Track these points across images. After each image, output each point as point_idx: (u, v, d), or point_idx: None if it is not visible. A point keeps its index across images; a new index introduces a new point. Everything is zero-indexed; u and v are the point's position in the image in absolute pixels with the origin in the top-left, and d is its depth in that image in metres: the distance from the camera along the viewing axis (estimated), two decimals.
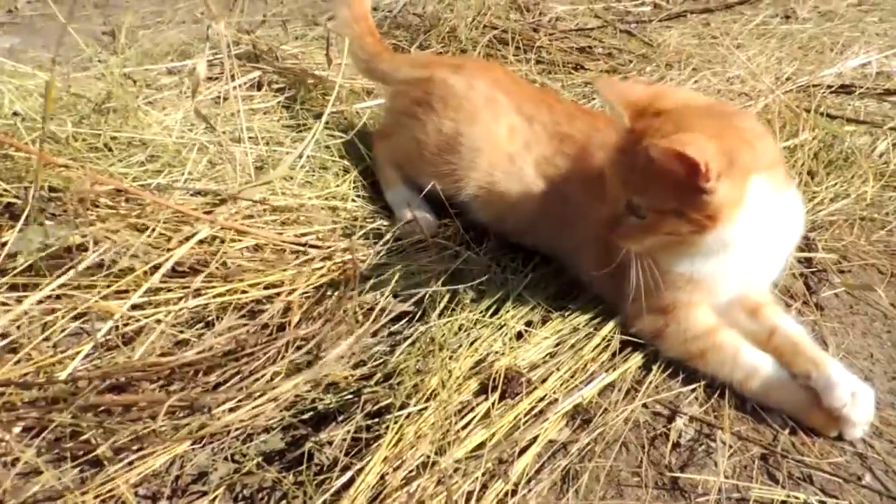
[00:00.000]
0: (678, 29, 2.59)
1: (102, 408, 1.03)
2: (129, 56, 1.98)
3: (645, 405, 1.18)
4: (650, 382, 1.21)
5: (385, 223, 1.51)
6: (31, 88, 1.56)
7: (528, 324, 1.29)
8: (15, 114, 1.44)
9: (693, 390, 1.21)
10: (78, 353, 1.12)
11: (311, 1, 2.69)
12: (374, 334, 1.25)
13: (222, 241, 1.34)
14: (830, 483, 1.08)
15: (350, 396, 1.12)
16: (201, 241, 1.32)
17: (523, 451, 1.07)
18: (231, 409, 1.04)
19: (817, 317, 1.39)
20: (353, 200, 1.55)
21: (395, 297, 1.29)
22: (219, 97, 1.74)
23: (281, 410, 1.08)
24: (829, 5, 3.13)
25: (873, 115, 2.02)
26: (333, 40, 1.69)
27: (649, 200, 1.12)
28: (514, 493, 1.03)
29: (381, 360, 1.18)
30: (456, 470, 1.01)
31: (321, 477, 0.99)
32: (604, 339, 1.26)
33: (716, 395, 1.20)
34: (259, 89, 1.91)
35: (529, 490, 1.03)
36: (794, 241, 1.28)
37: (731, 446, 1.12)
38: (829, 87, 2.11)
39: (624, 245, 1.18)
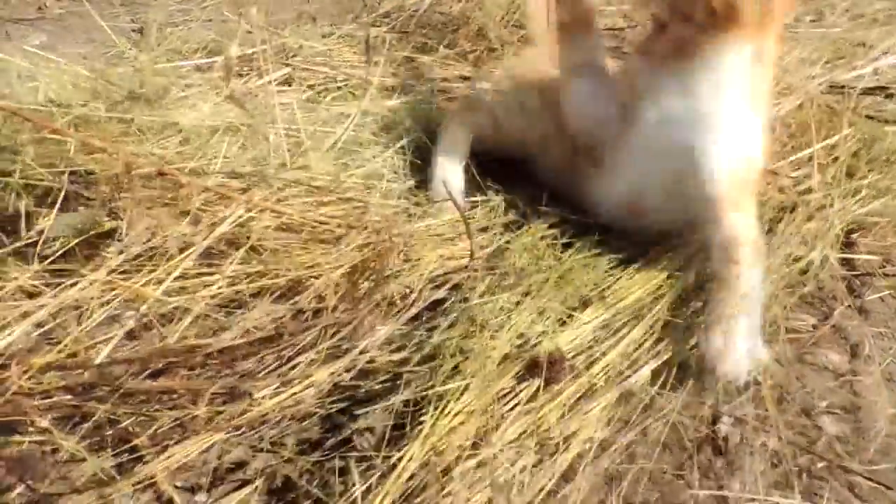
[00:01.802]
0: None
1: (140, 395, 1.02)
2: (159, 53, 1.97)
3: (687, 405, 1.15)
4: (693, 379, 1.18)
5: (421, 205, 1.51)
6: (65, 80, 1.55)
7: (572, 308, 1.26)
8: (50, 101, 1.44)
9: (738, 390, 1.17)
10: (111, 338, 1.11)
11: (335, 0, 2.69)
12: (414, 318, 1.22)
13: (254, 221, 1.33)
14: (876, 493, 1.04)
15: (389, 381, 1.10)
16: (235, 224, 1.31)
17: (566, 444, 1.04)
18: (270, 397, 1.02)
19: (861, 321, 1.36)
20: (389, 180, 1.55)
21: (431, 281, 1.28)
22: (249, 93, 1.72)
23: (320, 398, 1.06)
24: (860, 8, 3.09)
25: None
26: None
27: None
28: (554, 493, 1.00)
29: (419, 343, 1.16)
30: (496, 458, 0.99)
31: (363, 464, 0.97)
32: (649, 327, 1.23)
33: (761, 396, 1.17)
34: (289, 85, 1.91)
35: (570, 491, 1.01)
36: None
37: (775, 452, 1.09)
38: (865, 88, 2.06)
39: None
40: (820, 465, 1.08)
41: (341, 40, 2.24)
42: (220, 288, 1.21)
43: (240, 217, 1.27)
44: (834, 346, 1.31)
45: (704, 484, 1.04)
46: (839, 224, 1.51)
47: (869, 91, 2.06)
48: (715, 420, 1.13)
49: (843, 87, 2.04)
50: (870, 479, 1.07)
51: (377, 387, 1.10)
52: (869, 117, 1.93)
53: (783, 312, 1.32)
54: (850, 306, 1.39)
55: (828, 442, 1.12)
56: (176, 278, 1.21)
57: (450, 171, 1.55)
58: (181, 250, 1.21)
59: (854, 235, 1.54)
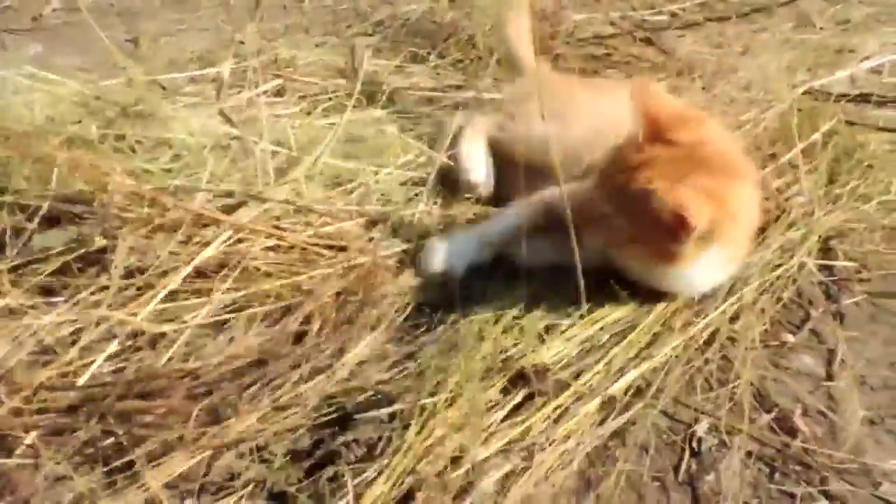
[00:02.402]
0: (693, 37, 2.60)
1: (128, 416, 1.05)
2: (153, 65, 2.00)
3: (665, 412, 1.19)
4: (672, 385, 1.21)
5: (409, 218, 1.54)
6: (62, 95, 1.59)
7: (552, 325, 1.30)
8: (45, 118, 1.48)
9: (716, 395, 1.21)
10: (94, 361, 1.15)
11: (330, 10, 2.72)
12: (398, 335, 1.26)
13: (242, 242, 1.36)
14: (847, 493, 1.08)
15: (375, 396, 1.14)
16: (225, 244, 1.34)
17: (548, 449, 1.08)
18: (257, 411, 1.06)
19: (837, 325, 1.40)
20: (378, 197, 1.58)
21: (416, 300, 1.32)
22: (242, 106, 1.75)
23: (306, 412, 1.10)
24: (846, 14, 3.13)
25: (893, 124, 2.01)
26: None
27: (624, 224, 1.22)
28: (535, 496, 1.04)
29: (405, 360, 1.21)
30: (477, 467, 1.02)
31: (349, 475, 1.01)
32: (630, 342, 1.27)
33: (737, 400, 1.20)
34: (281, 96, 1.94)
35: (550, 493, 1.04)
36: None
37: (749, 454, 1.13)
38: (845, 95, 2.10)
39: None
40: (793, 466, 1.12)
41: (334, 50, 2.28)
42: (209, 311, 1.25)
43: (228, 239, 1.30)
44: (810, 350, 1.34)
45: (679, 486, 1.08)
46: (819, 231, 1.55)
47: (849, 97, 2.10)
48: (692, 424, 1.17)
49: (824, 93, 2.08)
50: (842, 479, 1.10)
51: (363, 400, 1.14)
52: (850, 123, 1.97)
53: (761, 317, 1.36)
54: (826, 311, 1.42)
55: (802, 443, 1.16)
56: (166, 299, 1.24)
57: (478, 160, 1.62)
58: (166, 273, 1.24)
59: (833, 241, 1.58)
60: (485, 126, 1.68)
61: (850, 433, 1.17)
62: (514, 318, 1.31)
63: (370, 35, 2.49)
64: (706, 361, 1.26)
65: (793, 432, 1.17)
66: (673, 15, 3.03)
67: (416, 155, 1.70)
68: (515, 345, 1.24)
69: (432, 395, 1.10)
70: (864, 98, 2.10)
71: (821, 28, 2.93)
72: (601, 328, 1.30)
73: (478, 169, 1.61)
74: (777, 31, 2.61)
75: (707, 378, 1.25)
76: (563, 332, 1.29)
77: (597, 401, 1.15)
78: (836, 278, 1.50)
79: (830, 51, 2.44)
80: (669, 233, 1.16)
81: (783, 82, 2.06)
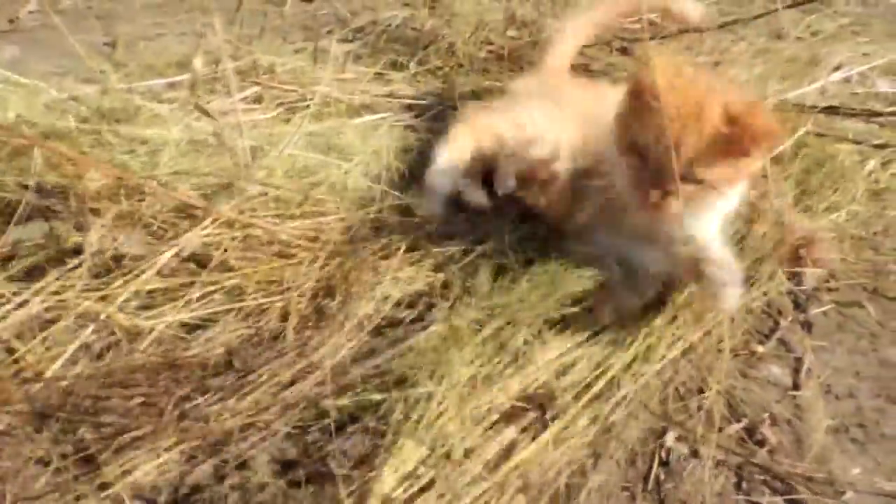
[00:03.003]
0: (671, 47, 2.63)
1: (100, 410, 1.05)
2: (131, 69, 2.00)
3: (636, 422, 1.21)
4: (643, 396, 1.23)
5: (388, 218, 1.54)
6: (36, 101, 1.58)
7: (530, 338, 1.30)
8: (18, 116, 1.47)
9: (687, 406, 1.23)
10: (73, 353, 1.15)
11: (311, 14, 2.72)
12: (377, 334, 1.27)
13: (220, 236, 1.36)
14: (812, 502, 1.11)
15: (361, 397, 1.14)
16: (202, 237, 1.34)
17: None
18: (234, 415, 1.06)
19: (805, 335, 1.43)
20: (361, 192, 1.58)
21: (397, 299, 1.33)
22: (218, 112, 1.75)
23: (289, 416, 1.10)
24: (821, 25, 3.19)
25: (862, 135, 2.05)
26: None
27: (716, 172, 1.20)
28: None
29: (391, 359, 1.20)
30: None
31: (331, 484, 1.01)
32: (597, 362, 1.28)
33: (707, 410, 1.22)
34: (259, 103, 1.94)
35: None
36: None
37: (718, 462, 1.15)
38: (815, 106, 2.14)
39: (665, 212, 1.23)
40: (760, 475, 1.14)
41: (314, 56, 2.28)
42: (186, 305, 1.25)
43: (206, 232, 1.31)
44: (778, 360, 1.37)
45: (648, 496, 1.10)
46: (789, 240, 1.58)
47: (820, 109, 2.14)
48: (662, 434, 1.19)
49: (796, 105, 2.12)
50: (807, 488, 1.13)
51: (349, 403, 1.14)
52: (820, 135, 2.00)
53: (732, 328, 1.39)
54: (795, 321, 1.45)
55: (768, 452, 1.18)
56: (142, 293, 1.25)
57: (444, 176, 1.59)
58: (143, 265, 1.24)
59: (802, 250, 1.61)
60: (477, 134, 1.63)
61: (815, 442, 1.20)
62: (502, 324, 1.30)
63: (350, 41, 2.49)
64: (676, 372, 1.28)
65: (760, 442, 1.20)
66: (651, 23, 3.07)
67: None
68: (502, 347, 1.25)
69: (418, 405, 1.10)
70: (833, 109, 2.13)
71: (797, 38, 2.99)
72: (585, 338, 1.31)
73: (434, 200, 1.55)
74: (751, 42, 2.65)
75: (678, 388, 1.27)
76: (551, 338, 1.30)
77: (584, 418, 1.16)
78: (804, 288, 1.53)
79: (802, 62, 2.48)
80: (749, 147, 1.17)
81: (755, 93, 2.10)
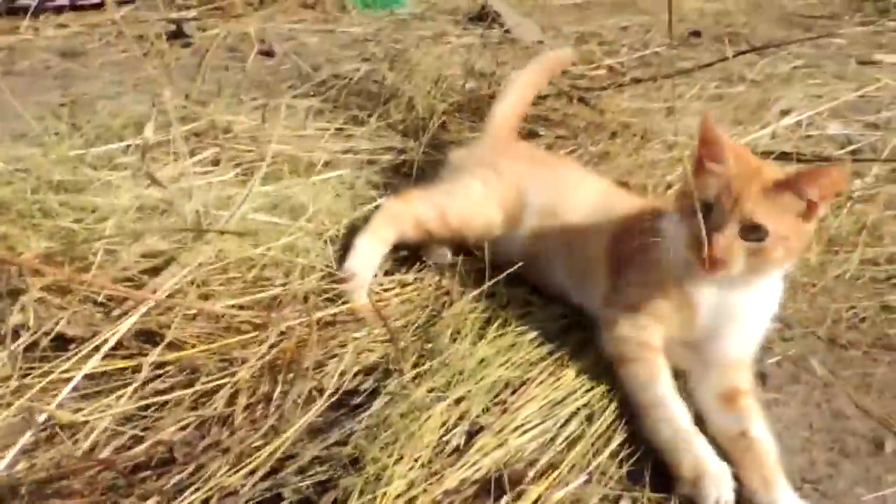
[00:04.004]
0: (630, 93, 2.69)
1: None
2: (86, 131, 1.98)
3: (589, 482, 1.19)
4: (601, 462, 1.22)
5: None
6: None
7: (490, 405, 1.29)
8: None
9: (642, 468, 1.22)
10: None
11: (272, 70, 2.74)
12: (331, 409, 1.25)
13: (165, 314, 1.34)
14: None
15: (310, 484, 1.11)
16: (144, 316, 1.32)
17: None
18: None
19: (759, 387, 1.43)
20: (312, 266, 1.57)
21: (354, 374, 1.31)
22: (173, 176, 1.75)
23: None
24: (775, 68, 3.29)
25: None
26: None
27: (776, 224, 1.20)
28: None
29: (344, 438, 1.18)
30: None
31: None
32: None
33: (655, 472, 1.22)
34: (217, 165, 1.93)
35: None
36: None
37: None
38: (767, 153, 2.19)
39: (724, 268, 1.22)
40: None
41: (274, 113, 2.28)
42: (135, 391, 1.22)
43: (149, 311, 1.29)
44: None
45: None
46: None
47: (772, 154, 2.18)
48: (617, 500, 1.18)
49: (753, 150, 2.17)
50: None
51: (301, 487, 1.10)
52: None
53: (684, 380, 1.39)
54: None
55: None
56: (85, 382, 1.22)
57: (366, 261, 1.57)
58: (82, 351, 1.21)
59: None
60: (399, 220, 1.63)
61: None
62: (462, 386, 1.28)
63: (311, 96, 2.52)
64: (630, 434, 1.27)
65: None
66: (610, 69, 3.15)
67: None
68: (462, 417, 1.23)
69: (375, 478, 1.08)
70: (785, 154, 2.18)
71: (752, 81, 3.07)
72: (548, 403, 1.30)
73: (356, 280, 1.52)
74: (702, 87, 2.72)
75: (634, 449, 1.26)
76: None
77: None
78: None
79: (752, 107, 2.54)
80: (808, 190, 1.20)
81: None
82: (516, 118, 1.99)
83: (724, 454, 1.21)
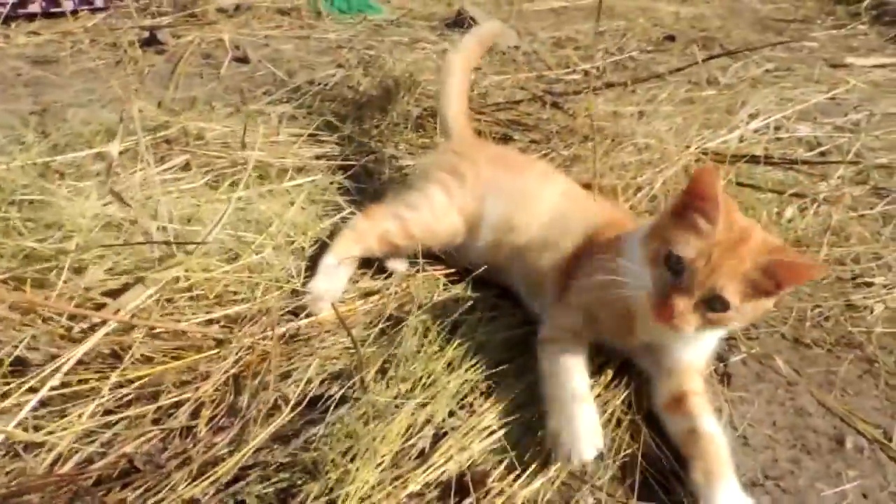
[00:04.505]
0: (605, 97, 2.71)
1: None
2: (56, 139, 1.97)
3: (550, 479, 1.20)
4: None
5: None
6: None
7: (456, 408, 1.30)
8: None
9: (605, 465, 1.23)
10: None
11: (247, 76, 2.73)
12: (296, 417, 1.24)
13: (128, 333, 1.34)
14: None
15: (274, 490, 1.11)
16: (106, 335, 1.31)
17: None
18: None
19: (724, 386, 1.45)
20: (278, 279, 1.56)
21: (320, 381, 1.31)
22: (141, 183, 1.74)
23: None
24: (747, 71, 3.33)
25: (780, 184, 2.13)
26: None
27: (742, 301, 1.17)
28: None
29: (307, 448, 1.18)
30: None
31: None
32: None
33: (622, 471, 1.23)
34: (188, 170, 1.93)
35: None
36: None
37: None
38: (736, 156, 2.22)
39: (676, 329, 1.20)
40: None
41: (247, 119, 2.28)
42: (98, 408, 1.21)
43: (111, 330, 1.28)
44: None
45: None
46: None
47: (740, 157, 2.22)
48: (580, 500, 1.18)
49: (717, 153, 2.20)
50: None
51: (264, 494, 1.11)
52: (739, 184, 2.08)
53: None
54: (715, 371, 1.48)
55: None
56: (50, 399, 1.21)
57: (331, 281, 1.56)
58: (45, 370, 1.20)
59: None
60: (363, 236, 1.64)
61: None
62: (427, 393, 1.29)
63: (286, 102, 2.51)
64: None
65: (673, 496, 1.20)
66: (585, 73, 3.17)
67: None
68: (428, 421, 1.23)
69: (337, 482, 1.08)
70: (753, 158, 2.21)
71: (725, 84, 3.11)
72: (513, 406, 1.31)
73: (319, 298, 1.51)
74: (671, 92, 2.75)
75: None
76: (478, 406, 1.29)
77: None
78: (725, 336, 1.56)
79: (722, 110, 2.58)
80: (779, 289, 1.18)
81: (677, 144, 2.17)
82: (465, 104, 1.97)
83: (679, 452, 1.25)
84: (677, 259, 1.18)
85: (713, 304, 1.17)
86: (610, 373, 1.40)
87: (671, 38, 3.79)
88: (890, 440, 1.35)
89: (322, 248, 1.66)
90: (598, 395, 1.35)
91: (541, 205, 1.60)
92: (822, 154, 2.44)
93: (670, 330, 1.20)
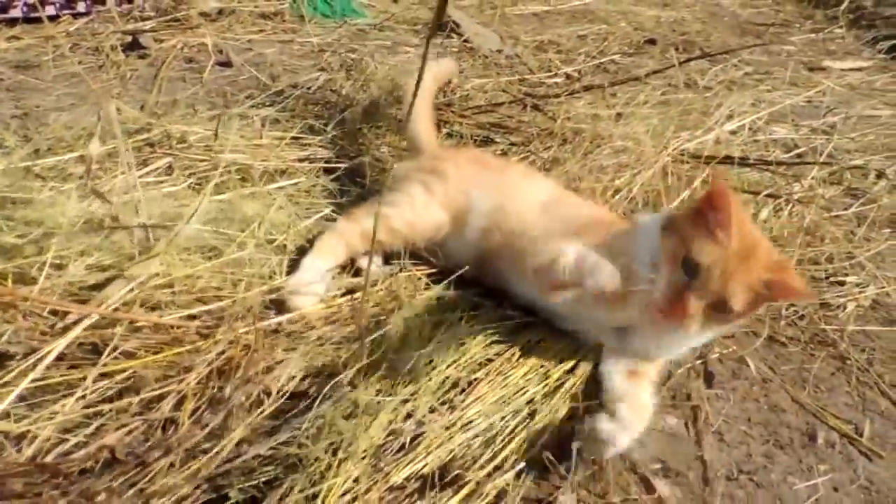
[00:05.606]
0: (585, 100, 2.74)
1: None
2: (38, 142, 1.97)
3: (534, 481, 1.22)
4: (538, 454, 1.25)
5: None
6: None
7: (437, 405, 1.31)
8: None
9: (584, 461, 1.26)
10: None
11: (230, 80, 2.74)
12: (278, 412, 1.25)
13: (110, 327, 1.34)
14: None
15: (256, 484, 1.13)
16: (87, 330, 1.32)
17: None
18: None
19: (701, 384, 1.48)
20: (261, 275, 1.57)
21: (302, 377, 1.32)
22: (123, 186, 1.74)
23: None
24: (727, 75, 3.39)
25: (756, 185, 2.17)
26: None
27: (744, 309, 1.25)
28: None
29: (289, 442, 1.19)
30: None
31: None
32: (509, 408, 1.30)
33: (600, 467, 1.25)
34: (171, 173, 1.93)
35: None
36: None
37: None
38: (711, 157, 2.25)
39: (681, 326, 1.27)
40: None
41: (229, 122, 2.29)
42: (80, 399, 1.22)
43: (92, 324, 1.29)
44: (674, 410, 1.41)
45: None
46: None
47: (716, 159, 2.25)
48: (560, 496, 1.21)
49: (693, 155, 2.23)
50: None
51: (247, 487, 1.12)
52: None
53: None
54: (692, 369, 1.51)
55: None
56: (31, 392, 1.21)
57: (313, 277, 1.57)
58: (27, 370, 1.21)
59: None
60: (345, 236, 1.65)
61: (709, 491, 1.24)
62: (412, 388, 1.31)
63: (269, 105, 2.52)
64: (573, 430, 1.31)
65: (652, 492, 1.22)
66: (568, 77, 3.21)
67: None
68: (409, 416, 1.25)
69: (320, 475, 1.10)
70: (729, 159, 2.25)
71: (704, 87, 3.16)
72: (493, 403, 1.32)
73: (296, 292, 1.51)
74: (648, 94, 2.79)
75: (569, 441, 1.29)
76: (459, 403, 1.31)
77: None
78: None
79: (699, 112, 2.61)
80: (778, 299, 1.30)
81: (654, 146, 2.20)
82: (432, 117, 2.02)
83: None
84: (695, 264, 1.24)
85: (718, 309, 1.24)
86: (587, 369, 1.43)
87: (652, 42, 3.84)
88: (860, 435, 1.39)
89: (304, 248, 1.67)
90: (575, 394, 1.37)
91: (533, 191, 1.64)
92: (799, 156, 2.48)
93: (672, 325, 1.27)
